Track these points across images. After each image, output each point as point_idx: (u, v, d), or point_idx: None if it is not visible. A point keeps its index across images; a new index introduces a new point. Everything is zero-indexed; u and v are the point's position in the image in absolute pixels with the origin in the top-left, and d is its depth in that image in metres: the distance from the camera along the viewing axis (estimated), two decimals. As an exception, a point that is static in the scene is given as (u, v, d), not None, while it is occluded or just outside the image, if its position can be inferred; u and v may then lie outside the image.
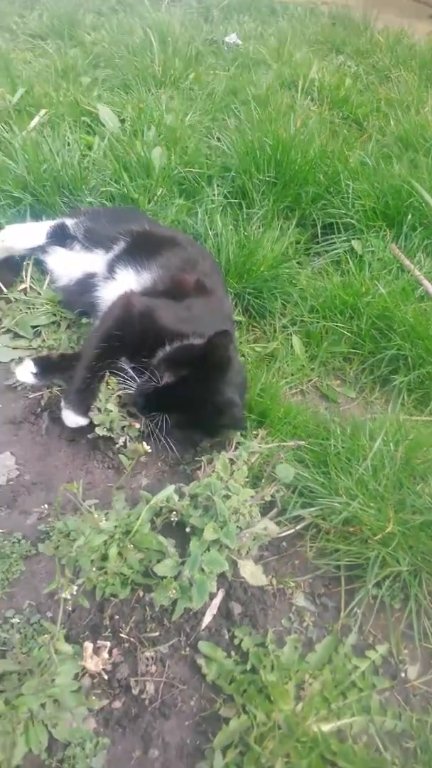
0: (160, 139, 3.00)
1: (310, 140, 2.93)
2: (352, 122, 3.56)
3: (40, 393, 2.02)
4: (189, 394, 1.73)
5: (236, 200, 2.77)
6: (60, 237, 2.29)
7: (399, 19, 5.12)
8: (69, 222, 2.30)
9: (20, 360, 2.07)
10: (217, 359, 1.70)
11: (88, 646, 1.45)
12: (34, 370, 1.97)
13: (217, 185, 2.80)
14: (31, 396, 2.05)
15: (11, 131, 2.89)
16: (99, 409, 1.85)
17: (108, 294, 2.10)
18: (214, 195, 2.73)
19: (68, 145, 2.88)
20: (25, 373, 1.98)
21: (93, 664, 1.43)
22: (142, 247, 2.14)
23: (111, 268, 2.14)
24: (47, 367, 2.00)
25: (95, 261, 2.22)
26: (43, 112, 3.15)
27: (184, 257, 2.11)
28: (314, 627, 1.53)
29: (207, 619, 1.52)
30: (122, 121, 3.21)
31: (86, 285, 2.20)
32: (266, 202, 2.71)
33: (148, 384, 1.76)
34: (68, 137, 2.94)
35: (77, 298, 2.23)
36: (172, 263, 2.07)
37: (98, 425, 1.84)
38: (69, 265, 2.28)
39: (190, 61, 3.94)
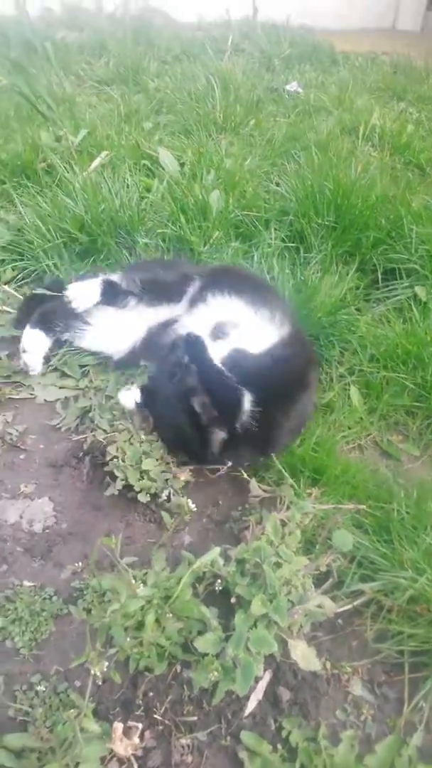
0: (218, 182, 2.96)
1: (372, 184, 2.84)
2: (414, 167, 3.46)
3: (84, 436, 1.93)
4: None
5: (293, 244, 2.68)
6: (110, 294, 2.13)
7: (462, 68, 5.05)
8: (115, 278, 2.17)
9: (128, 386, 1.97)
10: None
11: (118, 726, 1.29)
12: (139, 400, 1.87)
13: (275, 229, 2.73)
14: (74, 438, 1.96)
15: (72, 171, 2.90)
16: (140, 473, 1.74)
17: (201, 319, 1.97)
18: (271, 239, 2.64)
19: (127, 186, 2.87)
20: (130, 399, 1.89)
21: (122, 747, 1.27)
22: (232, 280, 2.04)
23: (195, 302, 2.04)
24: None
25: (161, 313, 2.12)
26: (104, 153, 3.16)
27: (284, 308, 2.01)
28: (373, 721, 1.34)
29: (251, 705, 1.35)
30: (182, 164, 3.21)
31: (159, 333, 2.07)
32: (325, 247, 2.61)
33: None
34: (128, 179, 2.93)
35: (148, 353, 2.11)
36: (283, 308, 1.97)
37: (140, 492, 1.72)
38: (129, 325, 2.13)
39: (251, 107, 3.94)
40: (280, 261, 2.52)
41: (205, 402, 1.69)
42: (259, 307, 1.94)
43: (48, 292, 2.26)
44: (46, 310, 2.18)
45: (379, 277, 2.54)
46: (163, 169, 3.14)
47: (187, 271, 2.17)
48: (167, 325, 2.06)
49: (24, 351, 2.10)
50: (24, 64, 3.61)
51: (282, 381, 1.79)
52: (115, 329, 2.15)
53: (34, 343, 2.12)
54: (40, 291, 2.29)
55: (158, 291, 2.14)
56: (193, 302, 2.05)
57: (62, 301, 2.12)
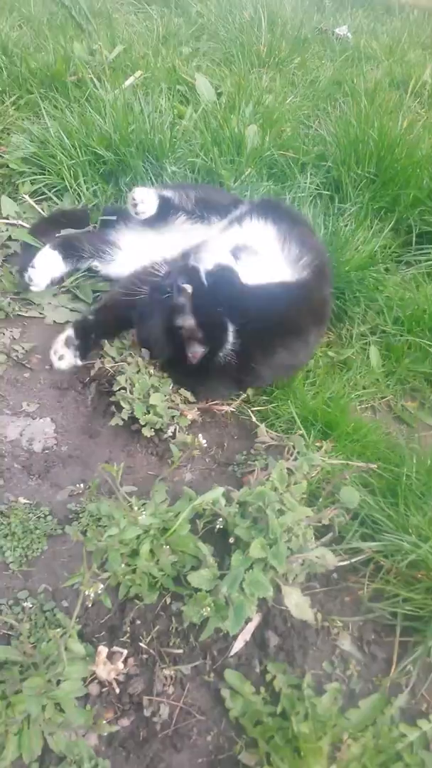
0: (256, 117, 2.82)
1: (418, 141, 2.71)
2: (463, 132, 3.31)
3: (91, 362, 1.87)
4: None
5: (328, 192, 2.57)
6: (164, 209, 2.05)
7: None
8: (168, 194, 2.07)
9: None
10: None
11: (103, 650, 1.28)
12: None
13: (311, 174, 2.61)
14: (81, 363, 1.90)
15: (103, 88, 2.76)
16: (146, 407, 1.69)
17: (225, 240, 1.92)
18: (306, 183, 2.53)
19: (160, 110, 2.73)
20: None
21: (105, 671, 1.27)
22: (277, 213, 1.97)
23: (233, 222, 1.98)
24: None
25: (207, 232, 2.04)
26: (138, 73, 3.01)
27: (323, 255, 1.95)
28: (359, 678, 1.33)
29: (238, 645, 1.34)
30: (219, 94, 3.05)
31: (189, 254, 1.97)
32: (361, 199, 2.50)
33: None
34: (161, 103, 2.79)
35: None
36: (321, 261, 1.88)
37: (144, 425, 1.68)
38: (160, 249, 2.03)
39: (297, 45, 3.74)
40: (312, 208, 2.42)
41: (190, 323, 1.67)
42: (288, 245, 1.87)
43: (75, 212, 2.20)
44: (73, 236, 2.09)
45: (414, 238, 2.45)
46: (199, 96, 3.00)
47: (237, 198, 2.11)
48: (199, 246, 1.98)
49: (32, 266, 2.01)
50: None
51: (269, 319, 1.72)
52: (147, 250, 2.05)
53: (47, 263, 2.04)
54: (68, 209, 2.21)
55: (210, 209, 2.07)
56: (231, 223, 1.99)
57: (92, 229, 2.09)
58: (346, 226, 2.35)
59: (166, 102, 2.83)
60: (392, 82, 3.62)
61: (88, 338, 1.81)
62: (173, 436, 1.70)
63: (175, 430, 1.72)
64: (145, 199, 1.99)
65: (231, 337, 1.69)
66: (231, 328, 1.69)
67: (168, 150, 2.54)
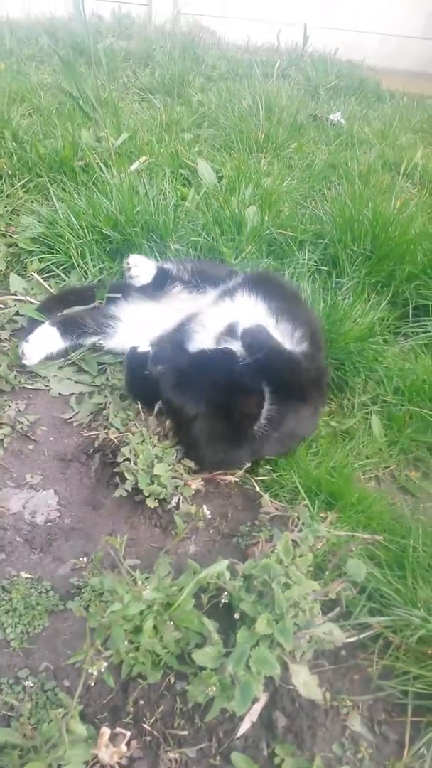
0: (255, 199, 2.96)
1: (411, 219, 2.82)
2: (454, 210, 3.45)
3: (96, 433, 1.89)
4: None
5: (326, 268, 2.66)
6: (161, 279, 2.16)
7: None
8: (167, 265, 2.20)
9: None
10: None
11: (106, 731, 1.23)
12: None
13: (308, 251, 2.70)
14: (86, 434, 1.92)
15: (110, 172, 2.89)
16: (150, 477, 1.69)
17: (217, 317, 1.98)
18: (304, 259, 2.62)
19: (163, 193, 2.86)
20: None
21: (108, 754, 1.21)
22: (268, 287, 2.03)
23: (225, 295, 2.04)
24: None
25: (201, 301, 2.12)
26: (143, 158, 3.16)
27: (316, 326, 2.00)
28: (370, 761, 1.27)
29: (245, 727, 1.29)
30: (219, 178, 3.20)
31: (181, 330, 2.06)
32: (358, 274, 2.58)
33: None
34: (164, 186, 2.93)
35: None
36: (313, 335, 1.93)
37: (148, 496, 1.68)
38: (158, 320, 2.13)
39: (293, 131, 3.95)
40: (311, 283, 2.49)
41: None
42: (281, 319, 1.92)
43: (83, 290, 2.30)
44: (75, 313, 2.15)
45: (410, 311, 2.51)
46: (201, 180, 3.14)
47: (233, 270, 2.20)
48: (192, 317, 2.06)
49: (27, 341, 2.05)
50: (73, 63, 3.63)
51: (286, 386, 1.76)
52: (143, 324, 2.13)
53: (42, 338, 2.09)
54: (76, 286, 2.30)
55: (205, 279, 2.15)
56: (223, 295, 2.04)
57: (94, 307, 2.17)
58: (344, 299, 2.42)
59: (170, 185, 2.97)
60: (385, 164, 3.80)
61: None
62: (177, 507, 1.70)
63: (179, 500, 1.71)
64: (138, 263, 2.09)
65: (267, 403, 1.72)
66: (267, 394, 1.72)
67: (171, 230, 2.64)
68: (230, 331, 1.91)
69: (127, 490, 1.69)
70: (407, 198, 3.17)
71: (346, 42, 6.35)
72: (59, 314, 2.18)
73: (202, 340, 1.94)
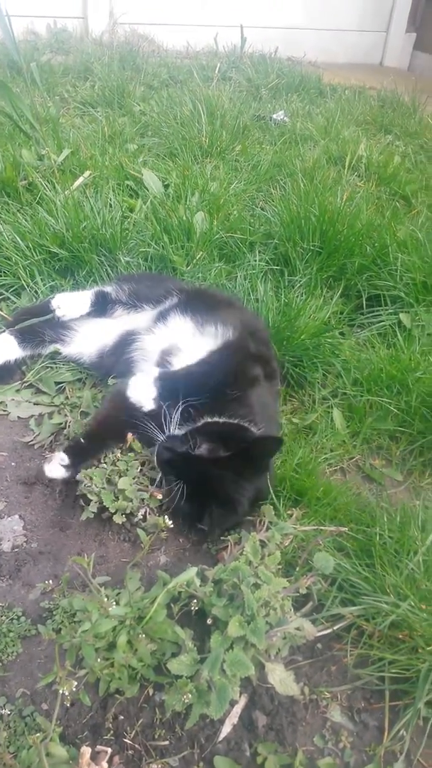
0: (203, 204, 2.97)
1: (358, 212, 2.86)
2: (400, 198, 3.50)
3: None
4: (214, 477, 1.61)
5: (278, 267, 2.68)
6: (101, 305, 2.18)
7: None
8: (107, 289, 2.22)
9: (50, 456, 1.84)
10: (260, 461, 1.65)
11: (86, 750, 1.23)
12: (66, 462, 1.74)
13: (259, 251, 2.73)
14: (48, 456, 1.90)
15: (54, 190, 2.88)
16: (114, 494, 1.69)
17: (154, 343, 2.00)
18: (255, 260, 2.64)
19: (110, 205, 2.86)
20: (56, 467, 1.74)
21: (89, 774, 1.21)
22: (199, 302, 2.05)
23: (160, 318, 2.05)
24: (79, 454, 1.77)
25: (139, 318, 2.14)
26: (87, 173, 3.15)
27: (250, 322, 2.02)
28: (352, 750, 1.29)
29: (226, 730, 1.30)
30: (166, 186, 3.21)
31: (124, 344, 2.09)
32: (309, 271, 2.61)
33: (178, 443, 1.63)
34: (111, 198, 2.92)
35: (113, 360, 2.11)
36: (239, 324, 1.93)
37: (115, 513, 1.68)
38: (105, 332, 2.17)
39: (237, 134, 3.97)
40: (264, 283, 2.51)
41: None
42: (202, 327, 1.95)
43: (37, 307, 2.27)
44: (34, 324, 2.15)
45: (364, 302, 2.55)
46: (147, 190, 3.15)
47: (171, 287, 2.19)
48: (133, 333, 2.10)
49: None
50: (7, 84, 3.61)
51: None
52: (94, 335, 2.17)
53: (0, 347, 2.10)
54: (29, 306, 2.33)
55: (141, 299, 2.17)
56: (158, 319, 2.06)
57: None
58: (298, 297, 2.44)
59: (116, 197, 2.96)
60: (330, 159, 3.84)
61: (80, 460, 1.77)
62: (144, 519, 1.70)
63: (145, 512, 1.71)
64: (61, 304, 2.12)
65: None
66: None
67: (120, 242, 2.63)
68: (164, 357, 1.93)
69: (93, 512, 1.68)
70: (353, 191, 3.21)
71: (284, 39, 6.41)
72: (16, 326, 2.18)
73: (145, 367, 1.96)
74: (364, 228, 2.79)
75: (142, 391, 1.79)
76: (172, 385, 1.77)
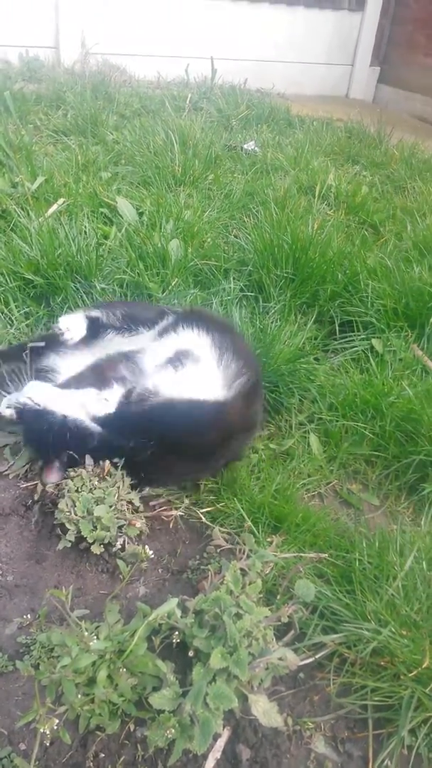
0: (177, 232, 2.99)
1: (329, 240, 2.92)
2: (369, 227, 3.58)
3: (33, 483, 1.85)
4: None
5: (252, 293, 2.71)
6: (92, 329, 2.12)
7: (412, 137, 5.30)
8: (96, 313, 2.14)
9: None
10: None
11: (65, 793, 1.20)
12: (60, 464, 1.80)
13: (234, 278, 2.76)
14: (23, 486, 1.88)
15: (28, 217, 2.88)
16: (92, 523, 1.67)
17: (162, 350, 1.97)
18: (230, 287, 2.67)
19: (85, 233, 2.87)
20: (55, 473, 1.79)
21: None
22: (200, 320, 2.04)
23: (164, 333, 2.03)
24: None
25: (137, 340, 2.10)
26: (61, 200, 3.16)
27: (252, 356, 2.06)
28: (337, 782, 1.28)
29: (209, 765, 1.27)
30: (140, 214, 3.23)
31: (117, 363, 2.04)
32: (283, 297, 2.65)
33: None
34: (85, 226, 2.93)
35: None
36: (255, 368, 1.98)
37: (93, 543, 1.65)
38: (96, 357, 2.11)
39: (209, 163, 4.02)
40: (239, 309, 2.53)
41: None
42: (225, 357, 1.92)
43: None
44: (6, 370, 2.07)
45: (337, 328, 2.59)
46: (122, 217, 3.16)
47: (164, 308, 2.18)
48: (129, 355, 2.03)
49: None
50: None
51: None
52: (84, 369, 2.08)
53: None
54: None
55: (137, 322, 2.12)
56: (163, 332, 2.04)
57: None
58: (272, 323, 2.47)
59: (91, 225, 2.98)
60: (300, 188, 3.91)
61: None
62: (122, 549, 1.68)
63: (124, 541, 1.69)
64: (70, 326, 2.06)
65: None
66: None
67: (95, 269, 2.64)
68: (178, 357, 1.91)
69: (70, 541, 1.66)
70: (324, 219, 3.27)
71: (254, 71, 6.55)
72: None
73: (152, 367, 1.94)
74: (335, 255, 2.84)
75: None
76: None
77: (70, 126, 4.45)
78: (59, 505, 1.68)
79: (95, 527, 1.65)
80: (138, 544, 1.67)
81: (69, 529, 1.65)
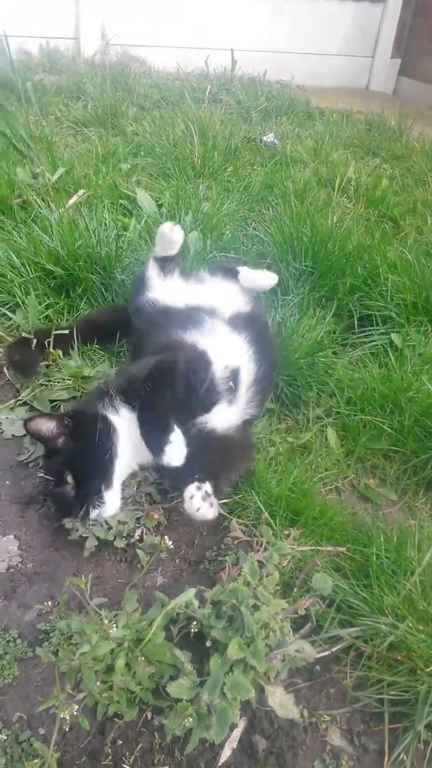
0: (196, 224, 3.00)
1: (348, 234, 2.90)
2: (389, 220, 3.55)
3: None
4: None
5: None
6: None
7: (432, 131, 5.28)
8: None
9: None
10: None
11: (84, 778, 1.22)
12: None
13: (254, 271, 2.75)
14: (42, 474, 1.89)
15: (48, 208, 2.90)
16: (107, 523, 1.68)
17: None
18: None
19: (104, 224, 2.87)
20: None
21: (87, 802, 1.19)
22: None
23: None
24: None
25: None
26: (81, 192, 3.17)
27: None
28: (353, 774, 1.28)
29: (226, 754, 1.29)
30: (159, 206, 3.24)
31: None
32: (302, 290, 2.64)
33: None
34: (105, 217, 2.94)
35: None
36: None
37: (114, 539, 1.66)
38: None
39: (228, 155, 4.01)
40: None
41: None
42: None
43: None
44: None
45: (356, 322, 2.57)
46: (141, 209, 3.17)
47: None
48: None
49: None
50: (2, 102, 3.64)
51: None
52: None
53: None
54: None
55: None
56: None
57: None
58: (291, 316, 2.46)
59: (110, 216, 2.98)
60: (320, 181, 3.89)
61: None
62: (141, 540, 1.69)
63: (142, 532, 1.71)
64: (173, 227, 2.28)
65: None
66: None
67: (115, 260, 2.65)
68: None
69: (93, 545, 1.66)
70: (344, 213, 3.25)
71: (273, 63, 6.51)
72: None
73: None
74: (355, 249, 2.82)
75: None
76: None
77: (90, 117, 4.46)
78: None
79: (111, 526, 1.66)
80: (156, 535, 1.69)
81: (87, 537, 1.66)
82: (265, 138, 4.57)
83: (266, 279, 2.34)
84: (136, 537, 1.69)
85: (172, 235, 2.27)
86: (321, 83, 7.21)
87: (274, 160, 4.15)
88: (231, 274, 2.36)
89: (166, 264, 2.32)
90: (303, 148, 4.39)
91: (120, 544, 1.65)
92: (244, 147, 4.34)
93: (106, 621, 1.32)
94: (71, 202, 3.06)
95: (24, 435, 2.02)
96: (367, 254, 2.84)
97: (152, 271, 2.31)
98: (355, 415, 2.12)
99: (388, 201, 3.67)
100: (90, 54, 6.12)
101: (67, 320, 2.47)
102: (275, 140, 4.59)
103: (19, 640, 1.46)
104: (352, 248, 2.80)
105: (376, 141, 4.86)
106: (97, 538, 1.65)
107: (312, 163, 4.15)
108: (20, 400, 2.13)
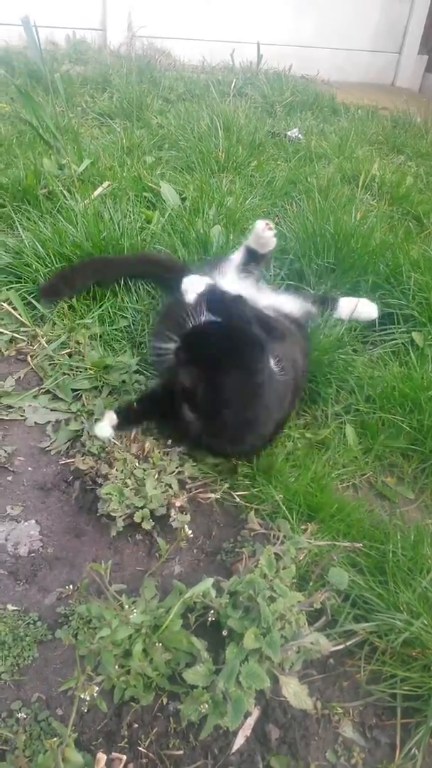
0: (220, 218, 3.01)
1: (371, 231, 2.90)
2: (413, 218, 3.53)
3: (74, 460, 1.90)
4: None
5: (293, 282, 2.71)
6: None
7: (458, 128, 5.22)
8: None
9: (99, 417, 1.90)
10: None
11: (102, 757, 1.24)
12: (114, 423, 1.84)
13: (274, 266, 2.76)
14: (64, 462, 1.93)
15: (74, 199, 2.92)
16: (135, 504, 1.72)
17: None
18: (270, 275, 2.67)
19: (128, 216, 2.89)
20: (106, 429, 1.83)
21: (104, 781, 1.22)
22: None
23: None
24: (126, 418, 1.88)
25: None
26: (106, 183, 3.20)
27: None
28: (364, 766, 1.30)
29: (239, 742, 1.31)
30: (183, 199, 3.25)
31: None
32: (323, 287, 2.64)
33: None
34: (129, 210, 2.96)
35: None
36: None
37: (141, 521, 1.70)
38: None
39: (252, 149, 4.01)
40: (279, 298, 2.54)
41: None
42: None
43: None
44: None
45: (377, 320, 2.57)
46: (165, 202, 3.19)
47: None
48: None
49: None
50: (30, 92, 3.66)
51: None
52: None
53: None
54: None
55: None
56: None
57: None
58: (312, 313, 2.47)
59: (134, 208, 3.01)
60: (344, 177, 3.87)
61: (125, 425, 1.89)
62: (169, 516, 1.71)
63: (171, 513, 1.73)
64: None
65: None
66: None
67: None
68: None
69: (122, 526, 1.70)
70: (367, 210, 3.25)
71: (298, 57, 6.48)
72: None
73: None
74: (378, 247, 2.82)
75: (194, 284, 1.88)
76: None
77: (115, 109, 4.47)
78: (103, 494, 1.71)
79: (143, 506, 1.69)
80: (186, 513, 1.71)
81: (115, 516, 1.68)
82: (289, 133, 4.56)
83: (369, 309, 2.45)
84: (172, 516, 1.71)
85: (263, 235, 2.29)
86: (346, 78, 7.17)
87: (298, 156, 4.14)
88: (328, 302, 2.42)
89: (252, 259, 2.36)
90: (327, 144, 4.38)
91: (147, 525, 1.68)
92: (268, 142, 4.33)
93: (125, 606, 1.34)
94: (96, 193, 3.09)
95: (47, 423, 2.05)
96: (389, 252, 2.83)
97: (237, 255, 2.39)
98: (374, 413, 2.13)
99: (412, 199, 3.66)
100: (116, 45, 6.14)
101: (90, 310, 2.49)
102: (299, 135, 4.57)
103: (39, 623, 1.50)
104: (374, 246, 2.80)
105: (401, 138, 4.83)
106: (130, 522, 1.68)
107: (336, 159, 4.13)
108: (43, 388, 2.17)
